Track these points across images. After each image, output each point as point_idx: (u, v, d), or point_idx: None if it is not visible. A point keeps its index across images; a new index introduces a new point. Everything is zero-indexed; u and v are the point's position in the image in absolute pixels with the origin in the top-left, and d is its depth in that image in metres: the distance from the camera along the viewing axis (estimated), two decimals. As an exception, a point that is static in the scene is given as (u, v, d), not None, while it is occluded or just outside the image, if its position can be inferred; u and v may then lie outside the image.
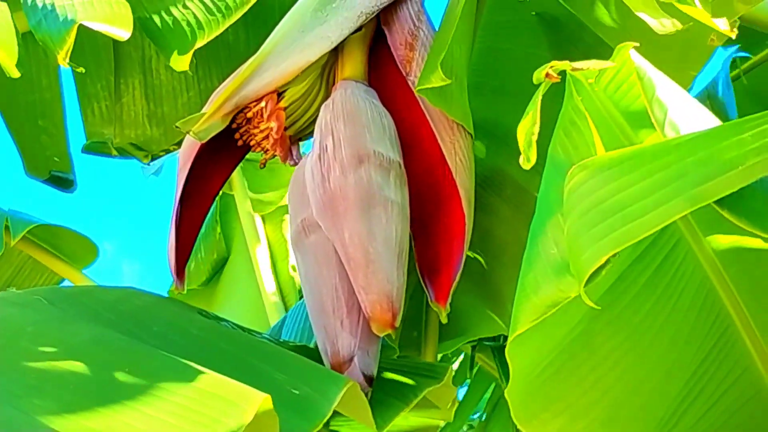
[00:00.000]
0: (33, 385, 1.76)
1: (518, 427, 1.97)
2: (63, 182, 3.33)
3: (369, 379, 2.30)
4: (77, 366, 1.81)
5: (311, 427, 1.86)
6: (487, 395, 4.76)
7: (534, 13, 2.94)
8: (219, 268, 4.93)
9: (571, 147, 1.79)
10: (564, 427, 2.01)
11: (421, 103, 2.51)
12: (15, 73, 2.35)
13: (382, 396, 2.24)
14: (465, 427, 5.19)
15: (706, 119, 1.74)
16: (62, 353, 1.85)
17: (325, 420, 1.88)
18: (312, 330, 3.08)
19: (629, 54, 1.79)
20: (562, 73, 1.78)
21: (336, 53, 2.61)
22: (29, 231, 3.68)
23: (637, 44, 1.80)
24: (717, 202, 1.61)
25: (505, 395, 1.94)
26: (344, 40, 2.55)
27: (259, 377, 1.94)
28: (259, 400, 1.71)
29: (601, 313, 1.91)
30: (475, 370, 4.51)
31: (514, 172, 3.04)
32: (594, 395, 2.02)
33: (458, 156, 2.50)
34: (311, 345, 3.01)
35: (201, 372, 1.84)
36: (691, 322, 1.98)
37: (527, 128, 1.74)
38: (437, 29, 2.64)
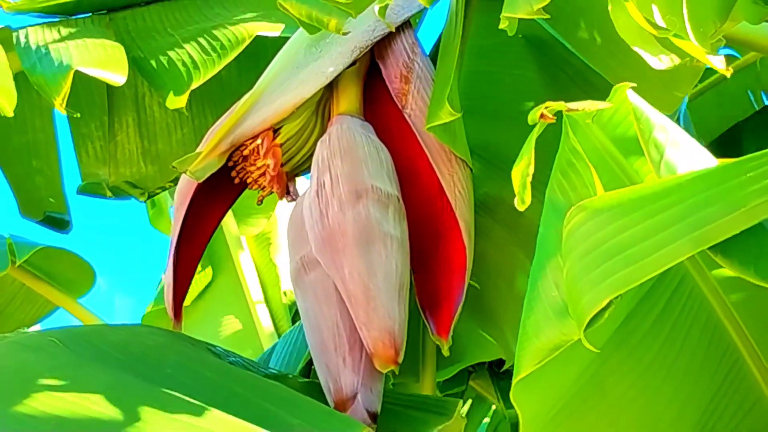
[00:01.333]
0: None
1: None
2: (58, 222, 3.31)
3: (373, 416, 2.27)
4: (96, 412, 1.79)
5: None
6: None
7: (521, 35, 2.94)
8: (204, 288, 4.90)
9: (569, 188, 1.77)
10: None
11: (418, 136, 2.51)
12: (9, 113, 2.33)
13: None
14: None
15: (703, 159, 1.72)
16: (80, 399, 1.83)
17: None
18: (298, 357, 3.09)
19: (626, 94, 1.78)
20: (558, 114, 1.77)
21: (331, 88, 2.60)
22: (30, 256, 3.64)
23: (634, 84, 1.79)
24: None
25: None
26: (339, 75, 2.55)
27: (275, 422, 1.91)
28: None
29: (611, 354, 1.90)
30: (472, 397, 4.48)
31: (507, 195, 3.03)
32: None
33: (457, 188, 2.49)
34: (296, 372, 3.00)
35: (222, 418, 1.82)
36: (700, 357, 1.96)
37: (522, 170, 1.73)
38: (437, 63, 2.63)
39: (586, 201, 1.63)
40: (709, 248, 1.58)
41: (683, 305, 1.93)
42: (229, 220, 4.76)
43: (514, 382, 1.74)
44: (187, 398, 1.90)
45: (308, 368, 3.06)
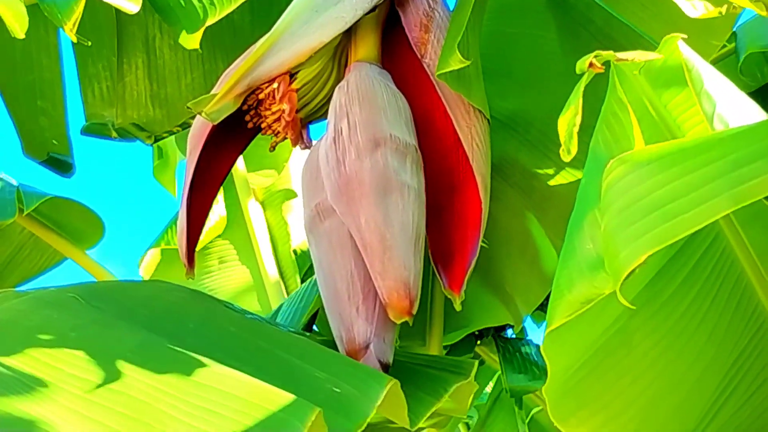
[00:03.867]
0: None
1: (555, 424, 1.93)
2: (61, 165, 3.25)
3: (385, 367, 2.25)
4: (126, 377, 1.75)
5: (354, 427, 1.80)
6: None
7: None
8: (213, 240, 4.87)
9: (612, 140, 1.74)
10: (601, 425, 1.98)
11: (436, 87, 2.47)
12: (20, 35, 2.26)
13: (413, 390, 2.17)
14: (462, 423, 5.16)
15: (754, 113, 1.69)
16: (110, 363, 1.78)
17: (368, 420, 1.82)
18: (301, 315, 3.07)
19: (677, 45, 1.74)
20: (606, 63, 1.73)
21: (349, 34, 2.55)
22: (38, 205, 3.59)
23: (686, 36, 1.75)
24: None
25: (542, 392, 1.91)
26: (358, 21, 2.50)
27: (300, 376, 1.90)
28: (313, 416, 1.67)
29: (639, 310, 1.88)
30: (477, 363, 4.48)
31: (523, 158, 3.01)
32: (631, 394, 1.99)
33: (475, 141, 2.46)
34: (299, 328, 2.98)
35: (251, 383, 1.79)
36: (728, 318, 1.95)
37: (569, 119, 1.69)
38: (452, 11, 2.59)
39: (626, 154, 1.60)
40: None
41: (714, 264, 1.91)
42: (241, 174, 4.72)
43: (546, 333, 1.72)
44: (216, 362, 1.85)
45: (309, 326, 3.04)
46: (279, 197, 4.91)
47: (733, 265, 1.91)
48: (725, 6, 1.91)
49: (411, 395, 2.05)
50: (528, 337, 4.33)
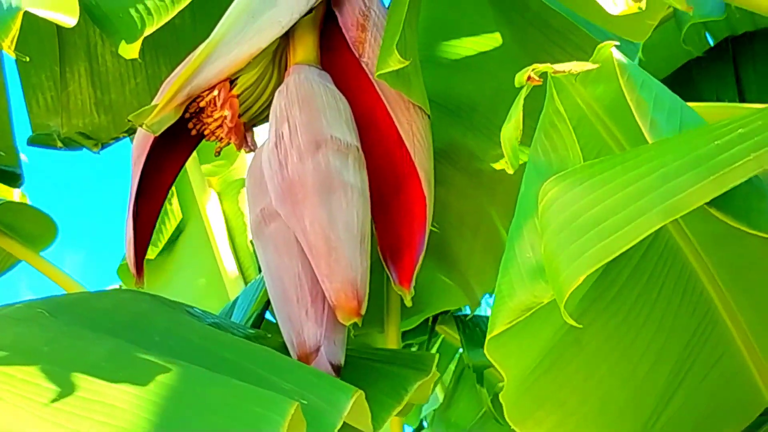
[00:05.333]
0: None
1: (512, 426, 1.97)
2: (10, 177, 3.25)
3: (336, 369, 2.28)
4: (102, 385, 1.77)
5: None
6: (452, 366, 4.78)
7: None
8: (173, 239, 4.87)
9: (551, 149, 1.78)
10: (558, 424, 2.02)
11: (375, 85, 2.49)
12: None
13: (375, 393, 2.18)
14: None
15: (688, 117, 1.74)
16: (85, 372, 1.80)
17: (335, 431, 1.85)
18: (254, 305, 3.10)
19: (611, 52, 1.79)
20: (543, 75, 1.78)
21: (287, 37, 2.57)
22: None
23: (617, 43, 1.80)
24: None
25: (500, 397, 1.95)
26: (295, 23, 2.51)
27: (267, 387, 1.90)
28: (291, 410, 1.69)
29: (588, 308, 1.92)
30: (439, 341, 4.52)
31: (467, 143, 3.05)
32: (586, 389, 2.03)
33: (416, 137, 2.49)
34: (248, 323, 3.00)
35: (226, 381, 1.82)
36: (674, 307, 1.99)
37: (510, 133, 1.73)
38: (388, 8, 2.61)
39: (560, 174, 1.64)
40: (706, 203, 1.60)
41: (659, 257, 1.95)
42: (195, 167, 4.72)
43: (487, 339, 1.76)
44: (190, 365, 1.89)
45: (260, 318, 3.07)
46: (235, 187, 4.91)
47: (677, 255, 1.96)
48: (644, 1, 1.94)
49: (373, 399, 2.06)
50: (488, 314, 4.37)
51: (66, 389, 1.76)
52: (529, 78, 1.75)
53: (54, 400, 1.73)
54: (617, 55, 1.80)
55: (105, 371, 1.81)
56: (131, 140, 3.10)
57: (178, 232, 4.80)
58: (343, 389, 2.00)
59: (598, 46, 1.81)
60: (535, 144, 1.83)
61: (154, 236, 4.56)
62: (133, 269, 2.48)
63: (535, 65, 1.76)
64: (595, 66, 1.79)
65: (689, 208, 1.49)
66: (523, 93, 1.76)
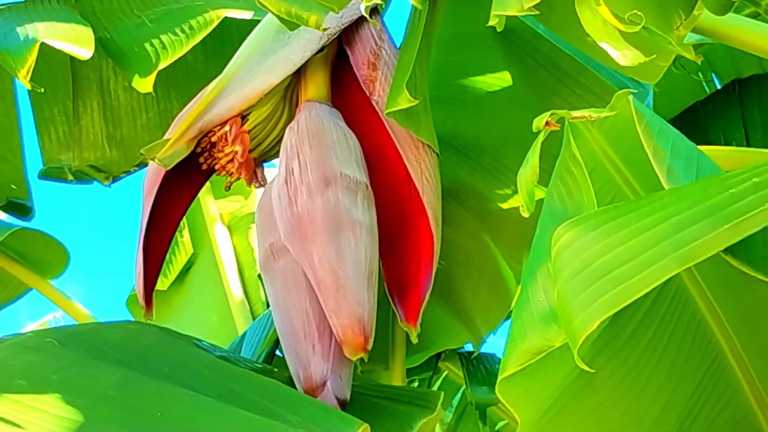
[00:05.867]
0: None
1: None
2: (21, 209, 3.28)
3: (342, 404, 2.29)
4: (111, 413, 1.79)
5: None
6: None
7: (488, 25, 2.96)
8: (184, 272, 4.88)
9: (566, 194, 1.79)
10: None
11: (385, 123, 2.52)
12: None
13: (380, 430, 2.20)
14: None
15: (705, 166, 1.74)
16: (93, 400, 1.83)
17: None
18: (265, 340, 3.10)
19: (629, 99, 1.80)
20: (561, 120, 1.79)
21: (299, 74, 2.60)
22: (5, 238, 3.58)
23: (635, 91, 1.81)
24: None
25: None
26: (307, 61, 2.55)
27: (274, 419, 1.92)
28: None
29: (600, 351, 1.91)
30: (442, 378, 4.50)
31: (477, 183, 3.07)
32: None
33: (425, 175, 2.51)
34: (260, 359, 3.01)
35: (232, 412, 1.83)
36: (685, 352, 1.98)
37: (527, 177, 1.74)
38: (399, 48, 2.64)
39: (574, 219, 1.65)
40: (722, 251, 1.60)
41: (670, 302, 1.95)
42: (208, 201, 4.74)
43: (498, 379, 1.76)
44: (197, 394, 1.91)
45: (270, 355, 3.07)
46: (245, 222, 4.93)
47: (687, 300, 1.95)
48: (654, 56, 1.96)
49: None
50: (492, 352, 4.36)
51: (73, 416, 1.77)
52: (547, 123, 1.76)
53: (61, 427, 1.74)
54: (635, 102, 1.81)
55: (113, 400, 1.82)
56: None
57: (189, 264, 4.81)
58: (349, 422, 2.00)
59: (616, 94, 1.82)
60: (550, 189, 1.83)
61: (163, 268, 4.59)
62: (142, 301, 2.50)
63: (553, 111, 1.78)
64: (613, 113, 1.80)
65: (703, 256, 1.49)
66: (541, 138, 1.77)
